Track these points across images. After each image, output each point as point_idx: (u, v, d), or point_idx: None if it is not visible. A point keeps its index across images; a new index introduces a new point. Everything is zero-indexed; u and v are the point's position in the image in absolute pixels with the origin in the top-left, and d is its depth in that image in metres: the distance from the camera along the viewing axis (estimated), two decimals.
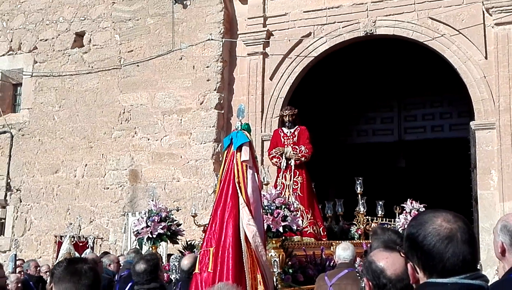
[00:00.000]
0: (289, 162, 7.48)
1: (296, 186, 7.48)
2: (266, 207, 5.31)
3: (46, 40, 12.15)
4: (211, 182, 9.87)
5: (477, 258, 1.71)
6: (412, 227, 1.71)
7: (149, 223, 6.48)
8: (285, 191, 7.32)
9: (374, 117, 12.66)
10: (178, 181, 10.70)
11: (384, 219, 8.15)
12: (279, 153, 7.58)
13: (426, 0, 9.64)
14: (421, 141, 12.45)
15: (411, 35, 9.71)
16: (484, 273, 1.68)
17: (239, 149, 4.01)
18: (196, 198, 10.35)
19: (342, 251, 4.81)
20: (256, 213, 3.94)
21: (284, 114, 7.90)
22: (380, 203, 8.23)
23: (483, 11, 9.31)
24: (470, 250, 1.65)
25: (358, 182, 8.03)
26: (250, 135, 4.13)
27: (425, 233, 1.66)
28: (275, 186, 6.91)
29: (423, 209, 7.67)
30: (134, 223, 6.88)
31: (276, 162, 7.69)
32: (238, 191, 3.90)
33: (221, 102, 10.69)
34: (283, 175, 7.54)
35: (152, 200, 6.98)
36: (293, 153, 7.49)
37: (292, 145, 7.58)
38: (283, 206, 5.62)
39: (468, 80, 9.37)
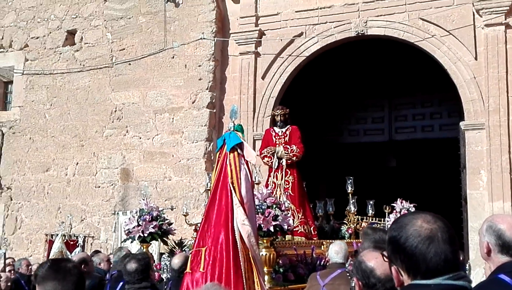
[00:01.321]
0: (281, 161, 7.48)
1: (288, 186, 7.46)
2: (257, 207, 5.31)
3: (37, 38, 12.03)
4: (203, 181, 9.77)
5: (458, 257, 1.72)
6: (394, 230, 1.72)
7: (140, 222, 6.44)
8: (276, 190, 7.32)
9: (365, 117, 12.53)
10: (170, 180, 10.59)
11: (374, 218, 8.16)
12: (270, 152, 7.56)
13: (417, 1, 9.59)
14: (412, 141, 12.33)
15: (402, 35, 9.69)
16: (472, 273, 1.68)
17: (232, 150, 4.02)
18: (187, 197, 10.23)
19: (335, 252, 4.78)
20: (250, 213, 3.95)
21: (276, 113, 7.90)
22: (371, 202, 8.23)
23: (473, 12, 9.30)
24: (451, 249, 1.65)
25: (349, 182, 8.03)
26: (243, 136, 4.17)
27: (406, 235, 1.67)
28: (266, 186, 6.90)
29: (413, 208, 7.69)
30: (125, 222, 6.88)
31: (267, 161, 7.65)
32: (232, 191, 3.91)
33: (213, 101, 10.57)
34: (275, 174, 7.52)
35: (144, 199, 6.94)
36: (285, 153, 7.47)
37: (283, 144, 7.57)
38: (274, 206, 5.61)
39: (458, 80, 9.40)
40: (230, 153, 4.02)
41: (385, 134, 12.21)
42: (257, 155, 6.39)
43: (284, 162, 7.48)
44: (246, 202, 3.92)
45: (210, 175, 6.34)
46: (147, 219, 6.45)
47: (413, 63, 11.04)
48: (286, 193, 7.31)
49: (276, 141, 7.66)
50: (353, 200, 7.94)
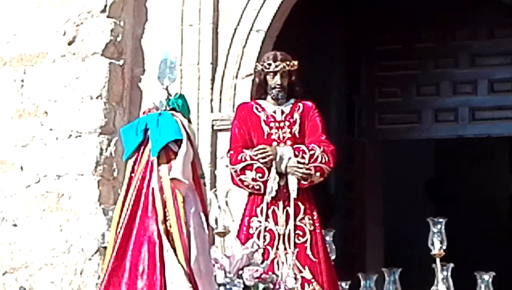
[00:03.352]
0: (285, 184, 4.37)
1: (303, 239, 4.33)
2: (222, 287, 3.58)
3: None
4: (93, 228, 6.53)
5: None
6: None
7: None
8: (277, 246, 4.26)
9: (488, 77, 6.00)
10: (15, 225, 6.84)
11: None
12: (263, 158, 4.30)
13: None
14: None
15: None
16: None
17: (166, 154, 2.66)
18: (56, 265, 6.70)
19: None
20: None
21: (270, 69, 4.61)
22: None
23: None
24: None
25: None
26: (188, 120, 2.78)
27: None
28: (244, 238, 4.20)
29: None
30: None
31: (250, 182, 4.35)
32: (167, 251, 2.56)
33: (118, 39, 6.60)
34: (270, 211, 4.38)
35: None
36: (298, 162, 4.29)
37: (291, 141, 4.43)
38: (261, 286, 3.70)
39: None
40: (160, 162, 2.69)
41: None
42: (229, 166, 4.31)
43: (294, 185, 4.29)
44: (202, 275, 2.68)
45: (110, 213, 4.30)
46: None
47: None
48: (293, 255, 4.02)
49: (271, 133, 4.49)
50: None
